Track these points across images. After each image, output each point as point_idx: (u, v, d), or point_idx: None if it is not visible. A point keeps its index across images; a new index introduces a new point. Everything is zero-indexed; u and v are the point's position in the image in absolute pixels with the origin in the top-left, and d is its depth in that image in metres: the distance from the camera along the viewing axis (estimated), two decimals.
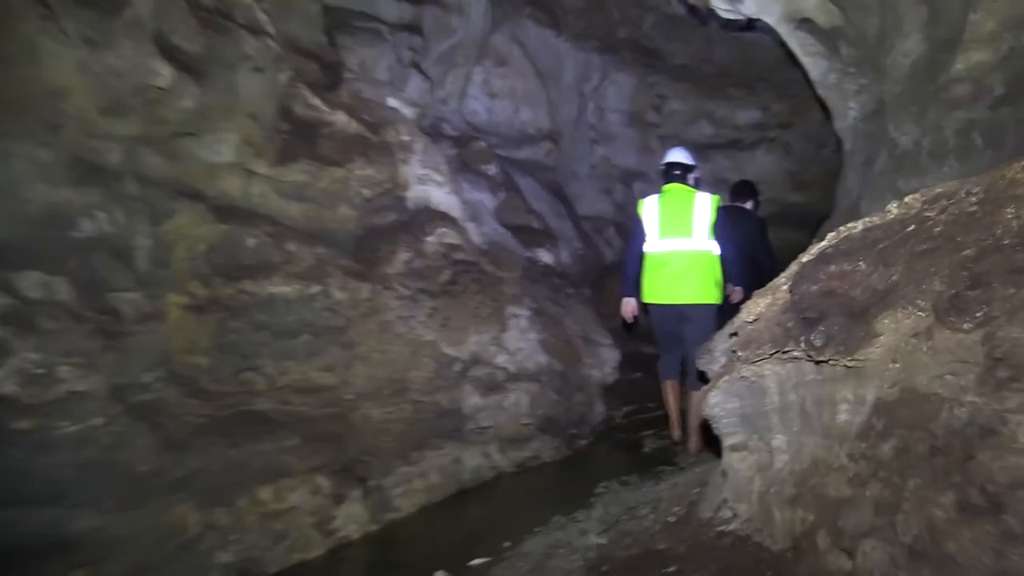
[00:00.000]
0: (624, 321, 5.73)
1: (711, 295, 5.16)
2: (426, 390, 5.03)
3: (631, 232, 5.52)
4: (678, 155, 5.44)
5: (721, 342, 3.61)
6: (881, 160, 4.38)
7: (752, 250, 6.06)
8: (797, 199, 11.59)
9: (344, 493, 4.20)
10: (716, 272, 5.20)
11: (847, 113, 5.29)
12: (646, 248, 5.32)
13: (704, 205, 5.14)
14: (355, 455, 4.40)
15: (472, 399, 5.32)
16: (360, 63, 6.92)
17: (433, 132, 8.13)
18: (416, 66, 8.22)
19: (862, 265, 2.32)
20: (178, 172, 4.02)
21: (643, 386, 7.87)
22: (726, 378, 2.87)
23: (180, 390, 3.83)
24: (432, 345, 5.19)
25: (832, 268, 2.43)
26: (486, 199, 7.94)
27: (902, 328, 2.10)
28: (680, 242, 5.17)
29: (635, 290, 5.44)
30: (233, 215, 4.35)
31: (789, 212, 11.39)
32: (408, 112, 6.30)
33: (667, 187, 5.35)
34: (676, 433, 5.67)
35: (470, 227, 6.72)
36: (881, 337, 2.15)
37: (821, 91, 5.55)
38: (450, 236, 5.94)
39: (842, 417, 2.30)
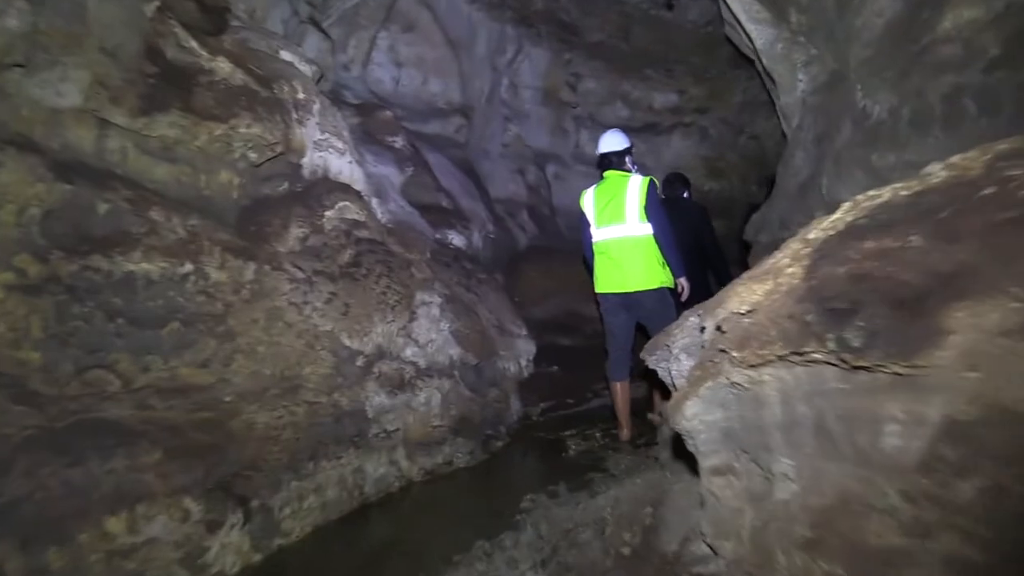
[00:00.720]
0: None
1: (659, 278, 5.02)
2: (323, 389, 4.28)
3: (580, 226, 5.39)
4: (609, 142, 5.32)
5: (684, 337, 3.04)
6: (844, 133, 3.91)
7: (698, 239, 5.73)
8: (713, 186, 11.33)
9: (220, 518, 3.42)
10: (659, 255, 5.03)
11: (796, 86, 4.84)
12: (593, 238, 5.23)
13: (634, 188, 5.02)
14: (234, 470, 3.61)
15: (377, 398, 4.60)
16: (249, 11, 6.03)
17: (333, 99, 7.30)
18: (315, 23, 7.36)
19: (915, 240, 1.75)
20: (1, 114, 3.14)
21: (560, 380, 7.33)
22: (709, 384, 2.28)
23: (1, 394, 2.98)
24: (331, 336, 4.44)
25: (868, 245, 1.85)
26: (392, 173, 7.19)
27: (985, 324, 1.54)
28: (616, 228, 5.07)
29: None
30: (80, 174, 3.48)
31: (705, 200, 11.00)
32: (305, 69, 5.49)
33: (604, 175, 5.27)
34: (625, 435, 5.38)
35: (374, 203, 5.98)
36: (952, 336, 1.59)
37: (766, 61, 5.08)
38: (352, 211, 5.18)
39: (889, 441, 1.73)
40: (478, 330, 6.07)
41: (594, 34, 10.58)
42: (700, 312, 2.89)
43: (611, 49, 10.81)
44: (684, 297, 5.02)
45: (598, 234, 5.17)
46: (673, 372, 3.08)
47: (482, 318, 6.34)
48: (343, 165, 5.40)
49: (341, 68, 8.48)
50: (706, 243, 5.86)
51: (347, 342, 4.53)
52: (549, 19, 10.12)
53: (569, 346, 8.11)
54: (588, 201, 5.26)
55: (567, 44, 10.51)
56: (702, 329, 2.69)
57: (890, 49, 3.53)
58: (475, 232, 7.91)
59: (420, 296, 5.30)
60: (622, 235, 5.03)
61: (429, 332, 5.27)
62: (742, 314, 2.22)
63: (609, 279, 5.15)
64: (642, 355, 4.00)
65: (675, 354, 3.05)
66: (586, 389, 7.12)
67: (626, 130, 11.46)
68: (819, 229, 2.20)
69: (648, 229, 4.98)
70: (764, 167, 11.12)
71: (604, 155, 5.28)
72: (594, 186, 5.29)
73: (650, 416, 5.64)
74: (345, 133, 5.59)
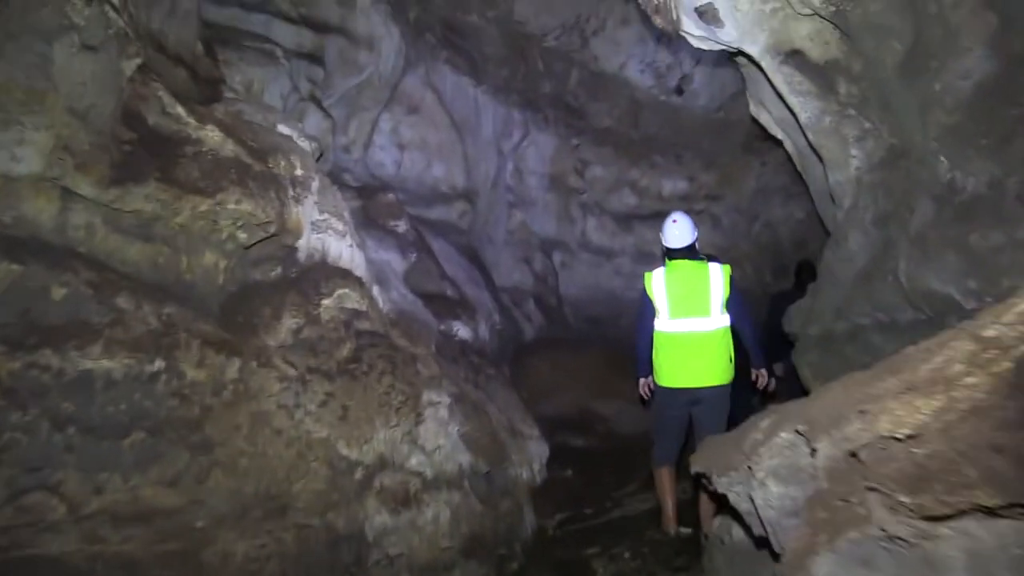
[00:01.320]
0: (642, 399, 5.22)
1: (728, 374, 4.72)
2: (316, 508, 3.62)
3: (639, 310, 4.99)
4: (685, 233, 4.86)
5: (774, 457, 2.43)
6: (923, 213, 3.40)
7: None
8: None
9: None
10: (731, 349, 4.77)
11: (848, 162, 4.36)
12: (657, 327, 4.83)
13: (718, 279, 4.73)
14: None
15: (378, 518, 3.93)
16: (246, 83, 5.62)
17: (333, 180, 6.84)
18: (316, 101, 6.97)
19: None
20: None
21: (576, 487, 6.62)
22: (852, 535, 1.67)
23: None
24: (326, 444, 3.80)
25: None
26: (394, 260, 6.67)
27: None
28: (696, 322, 4.72)
29: (648, 370, 4.96)
30: (34, 252, 2.92)
31: None
32: (305, 144, 5.02)
33: (674, 262, 4.83)
34: (673, 529, 4.97)
35: (376, 291, 5.43)
36: None
37: (812, 137, 4.63)
38: (353, 300, 4.61)
39: None
40: (489, 433, 5.43)
41: (602, 119, 10.30)
42: (798, 426, 2.30)
43: (619, 135, 10.51)
44: (771, 388, 4.91)
45: (672, 325, 4.74)
46: (758, 502, 2.45)
47: (492, 419, 5.71)
48: (343, 248, 4.86)
49: (341, 150, 8.07)
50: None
51: (345, 451, 3.89)
52: (556, 103, 9.84)
53: (583, 447, 7.43)
54: (659, 288, 4.77)
55: (574, 129, 10.21)
56: (813, 451, 2.09)
57: (984, 114, 3.05)
58: (481, 323, 7.35)
59: (427, 395, 4.68)
60: (703, 328, 4.69)
61: (437, 437, 4.63)
62: (900, 440, 1.62)
63: (680, 373, 4.72)
64: (699, 469, 3.38)
65: (760, 478, 2.43)
66: (605, 497, 6.40)
67: (634, 217, 11.30)
68: (1000, 324, 1.62)
69: (726, 321, 4.73)
70: (779, 255, 10.70)
71: (675, 248, 4.85)
72: (662, 270, 4.83)
73: (680, 529, 4.98)
74: (346, 214, 5.08)
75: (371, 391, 4.20)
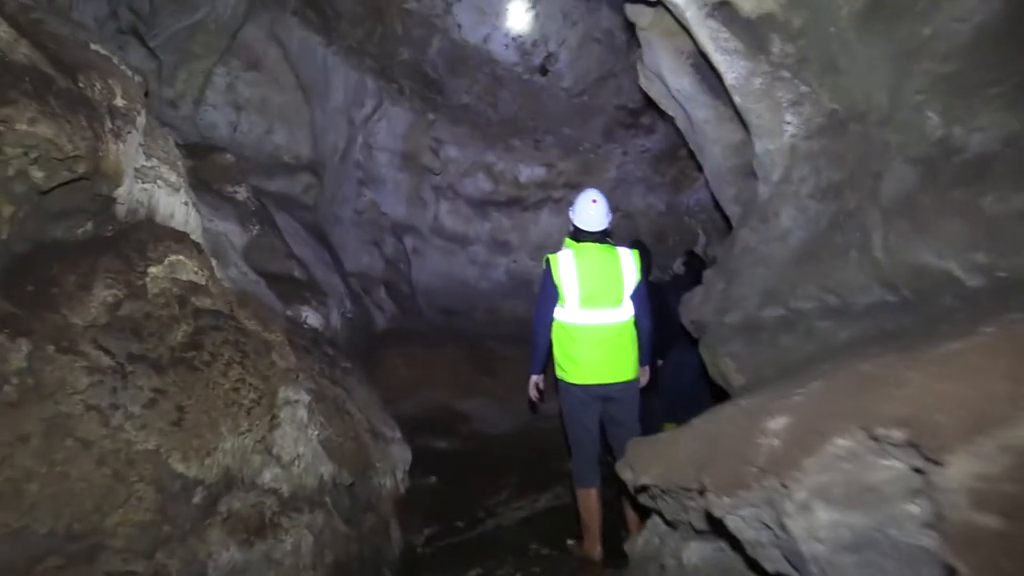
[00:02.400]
0: (531, 403, 4.76)
1: (637, 368, 4.31)
2: (140, 548, 2.63)
3: (542, 295, 4.32)
4: (600, 214, 4.29)
5: (824, 472, 1.79)
6: (899, 178, 2.94)
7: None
8: None
9: None
10: (636, 341, 4.32)
11: (781, 130, 3.89)
12: (561, 317, 4.25)
13: (630, 267, 4.27)
14: None
15: (224, 554, 2.98)
16: None
17: None
18: (138, 36, 5.76)
19: None
20: None
21: (443, 496, 5.86)
22: None
23: None
24: (154, 459, 2.81)
25: None
26: (233, 231, 5.64)
27: None
28: (608, 313, 4.22)
29: (543, 367, 4.42)
30: None
31: None
32: (128, 71, 3.92)
33: (583, 244, 4.27)
34: (597, 552, 4.31)
35: (214, 262, 4.42)
36: None
37: (739, 100, 4.14)
38: (190, 270, 3.60)
39: None
40: (352, 437, 4.56)
41: (461, 96, 9.56)
42: (877, 429, 1.68)
43: (477, 114, 9.83)
44: (643, 382, 4.44)
45: (582, 316, 4.18)
46: (794, 531, 1.81)
47: (355, 420, 4.83)
48: (177, 206, 3.84)
49: (167, 104, 6.85)
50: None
51: (180, 467, 2.91)
52: (413, 74, 8.99)
53: (447, 450, 6.67)
54: (568, 273, 4.17)
55: (431, 104, 9.40)
56: (923, 468, 1.46)
57: (992, 59, 2.59)
58: (333, 309, 6.41)
59: (284, 393, 3.75)
60: (615, 320, 4.21)
61: (296, 444, 3.71)
62: None
63: (592, 368, 4.18)
64: (648, 481, 2.76)
65: (800, 501, 1.78)
66: (477, 506, 5.68)
67: (489, 203, 10.66)
68: None
69: (632, 311, 4.28)
70: (637, 247, 10.42)
71: (585, 229, 4.29)
72: (569, 253, 4.23)
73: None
74: (180, 164, 4.03)
75: (215, 387, 3.23)
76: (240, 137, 7.56)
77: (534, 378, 4.42)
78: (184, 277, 3.55)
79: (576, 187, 10.48)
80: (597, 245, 4.22)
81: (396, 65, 8.79)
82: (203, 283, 3.68)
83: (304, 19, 7.71)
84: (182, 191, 3.91)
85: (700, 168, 9.97)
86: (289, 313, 5.66)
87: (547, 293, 4.23)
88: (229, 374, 3.34)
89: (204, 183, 5.79)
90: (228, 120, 7.47)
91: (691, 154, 10.20)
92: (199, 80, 7.02)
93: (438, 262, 9.90)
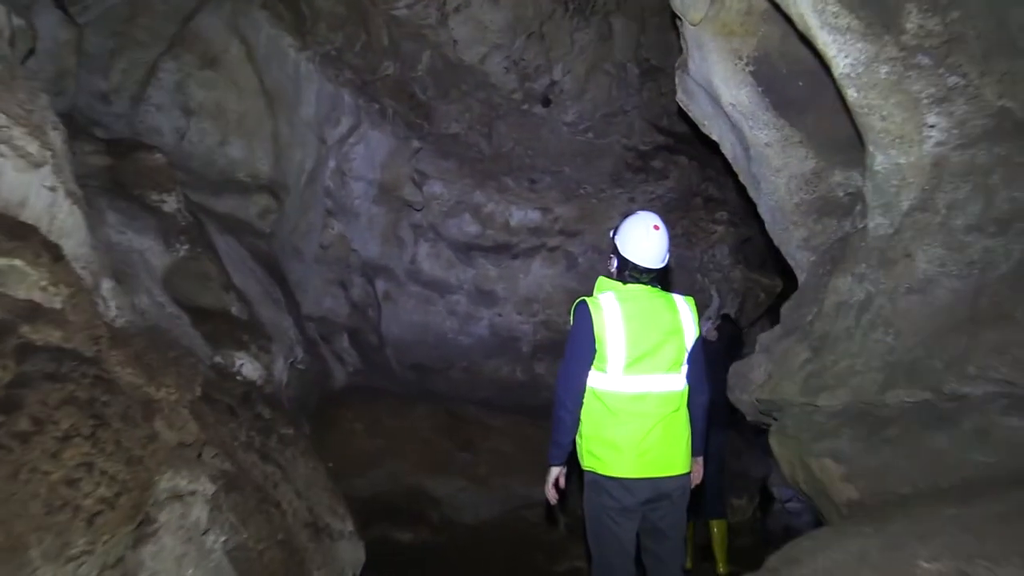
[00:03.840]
0: (548, 504, 3.45)
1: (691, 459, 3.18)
2: None
3: (572, 353, 3.09)
4: (660, 246, 3.12)
5: None
6: None
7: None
8: None
9: None
10: None
11: (920, 137, 2.71)
12: (598, 384, 3.02)
13: (689, 319, 3.15)
14: None
15: None
16: None
17: (71, 127, 4.44)
18: (60, 4, 4.54)
19: None
20: None
21: None
22: None
23: None
24: None
25: None
26: (151, 249, 4.36)
27: None
28: (661, 380, 3.05)
29: (567, 455, 3.15)
30: None
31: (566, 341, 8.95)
32: None
33: (630, 287, 3.11)
34: None
35: (104, 287, 3.16)
36: None
37: (854, 96, 2.97)
38: (33, 284, 2.32)
39: None
40: (278, 540, 3.23)
41: (450, 123, 8.43)
42: None
43: (468, 146, 8.68)
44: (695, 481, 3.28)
45: (627, 383, 2.99)
46: None
47: (286, 514, 3.51)
48: (33, 189, 2.56)
49: (96, 97, 5.61)
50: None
51: None
52: (399, 93, 7.86)
53: (411, 544, 5.30)
54: (613, 324, 2.98)
55: (416, 130, 8.24)
56: None
57: None
58: (278, 358, 5.10)
59: (170, 482, 2.43)
60: (671, 389, 3.06)
61: (182, 566, 2.38)
62: None
63: (640, 457, 2.96)
64: None
65: None
66: None
67: (474, 249, 9.44)
68: None
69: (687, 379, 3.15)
70: None
71: (643, 267, 3.11)
72: (612, 297, 3.05)
73: None
74: (54, 135, 2.77)
75: (33, 478, 1.92)
76: (188, 146, 6.31)
77: (555, 470, 3.18)
78: (18, 294, 2.25)
79: (574, 235, 9.39)
80: (649, 289, 3.09)
81: (379, 81, 7.65)
82: (54, 306, 2.39)
83: (275, 15, 6.56)
84: (46, 170, 2.64)
85: (720, 220, 9.04)
86: (217, 359, 4.36)
87: (580, 350, 3.01)
88: (63, 455, 2.03)
89: (122, 186, 4.53)
90: (174, 125, 6.22)
91: (707, 204, 9.32)
92: (140, 73, 5.81)
93: (412, 311, 8.60)
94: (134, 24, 5.53)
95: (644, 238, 3.05)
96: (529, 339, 9.09)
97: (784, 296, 10.34)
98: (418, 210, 8.63)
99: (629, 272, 3.09)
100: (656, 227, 3.07)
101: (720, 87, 4.45)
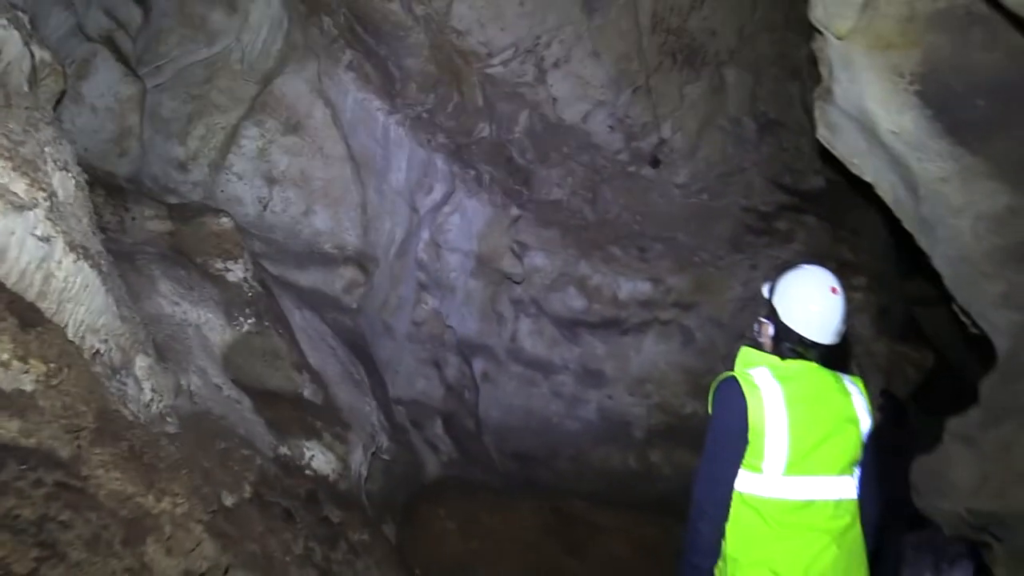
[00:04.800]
0: None
1: None
2: None
3: (716, 448, 2.32)
4: (835, 315, 2.34)
5: None
6: None
7: None
8: (698, 409, 8.25)
9: None
10: None
11: None
12: (751, 488, 2.24)
13: (862, 405, 2.37)
14: None
15: None
16: None
17: (134, 189, 4.03)
18: (113, 47, 4.20)
19: None
20: None
21: None
22: None
23: None
24: None
25: None
26: (210, 323, 3.82)
27: None
28: (833, 485, 2.27)
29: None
30: None
31: (686, 426, 8.05)
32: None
33: (796, 365, 2.34)
34: None
35: (140, 365, 2.61)
36: None
37: None
38: None
39: None
40: None
41: (551, 188, 7.83)
42: None
43: (571, 213, 8.05)
44: None
45: (790, 487, 2.22)
46: None
47: None
48: (10, 234, 1.99)
49: (173, 165, 5.26)
50: None
51: None
52: (495, 157, 7.33)
53: None
54: (774, 412, 2.23)
55: (515, 197, 7.69)
56: None
57: None
58: (356, 448, 4.43)
59: None
60: (843, 496, 2.28)
61: None
62: None
63: None
64: None
65: None
66: None
67: (580, 325, 8.72)
68: None
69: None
70: None
71: (816, 343, 2.36)
72: (767, 375, 2.29)
73: None
74: (52, 173, 2.22)
75: None
76: (270, 217, 5.91)
77: None
78: None
79: (689, 307, 8.54)
80: (817, 369, 2.34)
81: (474, 144, 7.15)
82: (20, 387, 1.76)
83: (362, 76, 6.17)
84: (35, 215, 2.07)
85: (858, 286, 8.00)
86: (283, 451, 3.72)
87: (728, 443, 2.25)
88: None
89: (183, 254, 4.03)
90: (257, 195, 5.84)
91: (841, 268, 8.30)
92: (219, 139, 5.45)
93: (513, 393, 7.91)
94: (211, 86, 5.19)
95: (817, 302, 2.29)
96: (642, 423, 8.24)
97: (935, 373, 9.17)
98: (518, 283, 8.03)
99: (792, 345, 2.32)
100: (834, 289, 2.31)
101: (877, 113, 3.64)
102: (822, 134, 4.23)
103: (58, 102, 3.08)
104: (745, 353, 2.40)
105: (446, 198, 7.28)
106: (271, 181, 5.92)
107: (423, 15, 6.24)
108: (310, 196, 6.09)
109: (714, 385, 2.30)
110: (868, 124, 3.74)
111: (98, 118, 4.19)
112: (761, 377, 2.22)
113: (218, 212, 4.37)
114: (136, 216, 3.96)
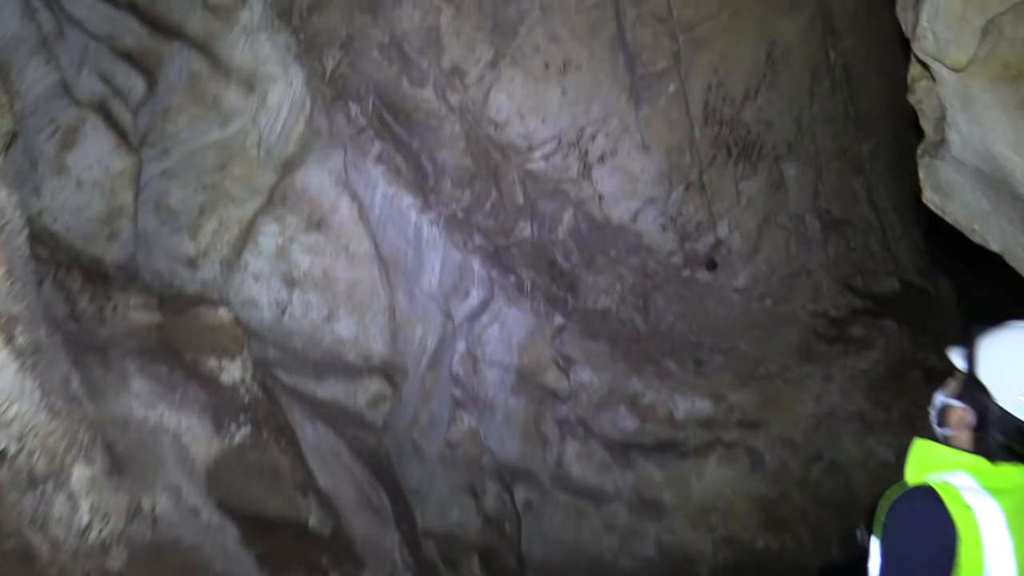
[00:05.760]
0: None
1: None
2: None
3: None
4: None
5: None
6: None
7: None
8: (770, 543, 7.37)
9: None
10: None
11: None
12: None
13: None
14: None
15: None
16: None
17: (122, 277, 3.47)
18: (107, 115, 3.75)
19: None
20: None
21: None
22: None
23: None
24: None
25: None
26: (192, 431, 3.13)
27: None
28: None
29: None
30: None
31: (759, 564, 7.27)
32: None
33: (1010, 470, 1.57)
34: None
35: (78, 477, 1.88)
36: None
37: None
38: None
39: None
40: None
41: (598, 296, 7.26)
42: None
43: (620, 323, 7.46)
44: None
45: None
46: None
47: None
48: None
49: (181, 262, 4.75)
50: None
51: None
52: (538, 260, 6.80)
53: None
54: (997, 544, 1.42)
55: (559, 305, 7.09)
56: None
57: None
58: None
59: None
60: None
61: None
62: None
63: None
64: None
65: None
66: None
67: (633, 447, 7.91)
68: None
69: None
70: (849, 514, 7.26)
71: None
72: (974, 483, 1.52)
73: None
74: None
75: None
76: (289, 322, 5.34)
77: None
78: None
79: (756, 427, 7.76)
80: None
81: (514, 246, 6.64)
82: None
83: (392, 169, 5.72)
84: None
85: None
86: None
87: None
88: None
89: (171, 349, 3.40)
90: (275, 298, 5.29)
91: (928, 378, 7.46)
92: (234, 234, 4.96)
93: (560, 525, 7.11)
94: (225, 174, 4.73)
95: None
96: (708, 561, 7.35)
97: None
98: (564, 401, 7.32)
99: (1008, 440, 1.60)
100: None
101: (1009, 159, 2.97)
102: (930, 198, 3.55)
103: (8, 146, 2.56)
104: (927, 450, 1.65)
105: (484, 305, 6.68)
106: (291, 283, 5.38)
107: (458, 104, 5.86)
108: (333, 299, 5.53)
109: (891, 498, 1.54)
110: (996, 175, 3.06)
111: (84, 194, 3.71)
112: (969, 490, 1.45)
113: (216, 303, 3.78)
114: (119, 305, 3.39)
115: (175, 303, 3.68)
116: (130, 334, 3.30)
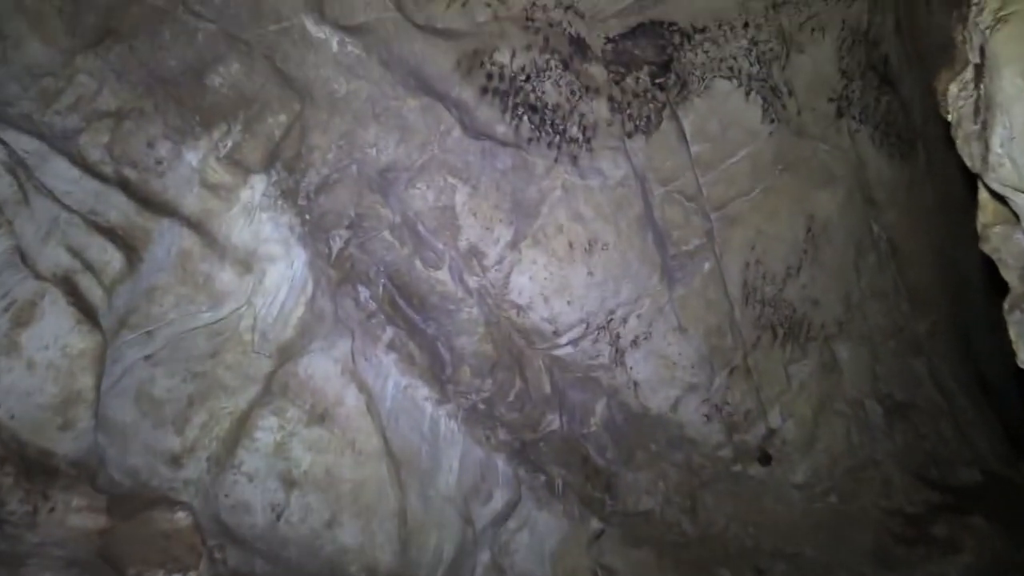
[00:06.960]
0: None
1: None
2: None
3: None
4: None
5: None
6: None
7: None
8: None
9: None
10: None
11: None
12: None
13: None
14: None
15: None
16: None
17: (75, 475, 2.98)
18: (71, 290, 3.43)
19: None
20: None
21: None
22: None
23: None
24: None
25: None
26: None
27: None
28: None
29: None
30: None
31: None
32: None
33: None
34: None
35: None
36: None
37: None
38: None
39: None
40: None
41: (639, 496, 6.52)
42: None
43: (666, 527, 6.67)
44: None
45: None
46: None
47: None
48: None
49: (163, 460, 4.26)
50: None
51: None
52: (569, 456, 6.18)
53: None
54: None
55: (595, 507, 6.37)
56: None
57: None
58: None
59: None
60: None
61: None
62: None
63: None
64: None
65: None
66: None
67: None
68: None
69: None
70: None
71: None
72: None
73: None
74: None
75: None
76: (285, 529, 4.71)
77: None
78: None
79: None
80: None
81: (542, 441, 6.06)
82: None
83: (405, 357, 5.29)
84: None
85: None
86: None
87: None
88: None
89: (111, 562, 2.81)
90: (270, 500, 4.69)
91: None
92: (225, 427, 4.47)
93: None
94: (217, 362, 4.32)
95: None
96: None
97: None
98: None
99: None
100: None
101: None
102: (986, 246, 2.99)
103: None
104: None
105: (510, 508, 5.98)
106: (289, 484, 4.80)
107: (477, 287, 5.53)
108: (336, 502, 4.92)
109: None
110: None
111: (35, 377, 3.30)
112: None
113: (174, 505, 3.22)
114: (57, 507, 2.86)
115: (126, 505, 3.13)
116: (63, 542, 2.75)
